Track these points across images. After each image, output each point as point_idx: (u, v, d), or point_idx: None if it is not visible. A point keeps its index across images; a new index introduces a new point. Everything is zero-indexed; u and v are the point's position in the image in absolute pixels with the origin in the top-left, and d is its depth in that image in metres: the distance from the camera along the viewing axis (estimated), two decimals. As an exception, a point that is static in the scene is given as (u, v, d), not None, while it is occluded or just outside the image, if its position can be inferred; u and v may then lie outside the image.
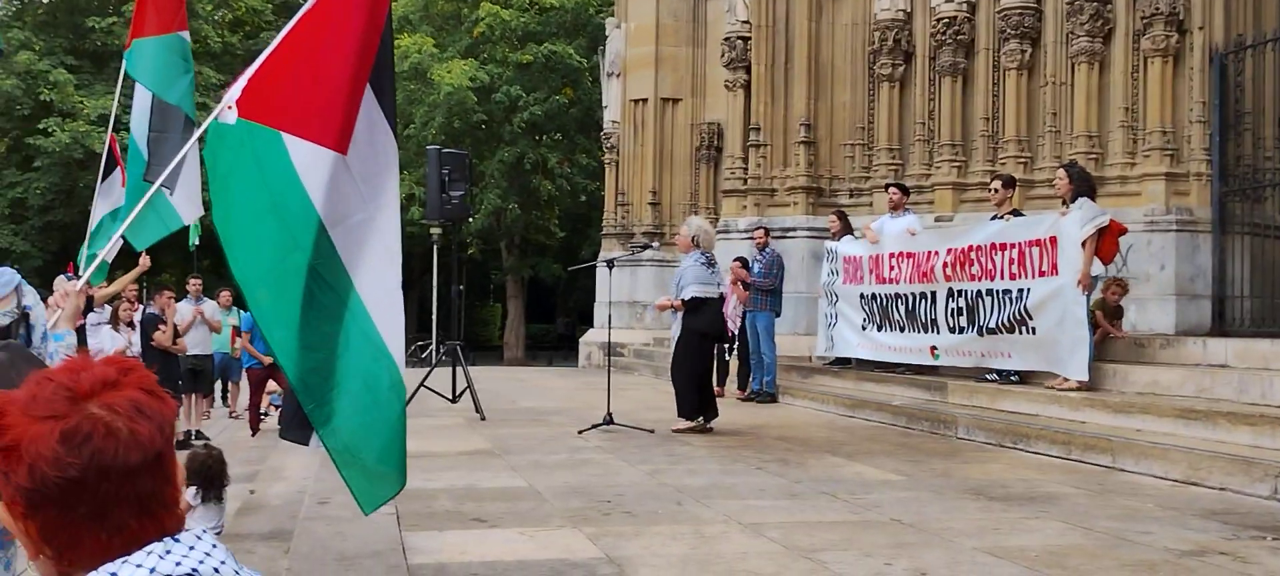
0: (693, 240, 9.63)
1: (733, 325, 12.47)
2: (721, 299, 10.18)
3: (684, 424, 9.51)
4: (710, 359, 9.83)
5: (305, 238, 3.54)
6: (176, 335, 11.73)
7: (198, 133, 3.58)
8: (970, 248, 10.22)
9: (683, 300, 9.50)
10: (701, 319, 9.51)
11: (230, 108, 3.43)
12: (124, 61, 6.30)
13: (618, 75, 20.08)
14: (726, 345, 12.47)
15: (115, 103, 6.23)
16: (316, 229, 3.55)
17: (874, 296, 11.59)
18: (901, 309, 11.18)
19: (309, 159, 3.51)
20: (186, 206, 6.13)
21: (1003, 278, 9.76)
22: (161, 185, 5.84)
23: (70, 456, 1.19)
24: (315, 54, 3.57)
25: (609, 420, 9.51)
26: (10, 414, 1.24)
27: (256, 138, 3.46)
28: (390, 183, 3.81)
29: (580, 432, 9.31)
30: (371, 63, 3.65)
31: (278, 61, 3.53)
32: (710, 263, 9.60)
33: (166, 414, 1.28)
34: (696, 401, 9.58)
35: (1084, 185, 9.34)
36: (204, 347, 13.02)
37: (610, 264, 11.12)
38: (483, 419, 10.30)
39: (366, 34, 3.61)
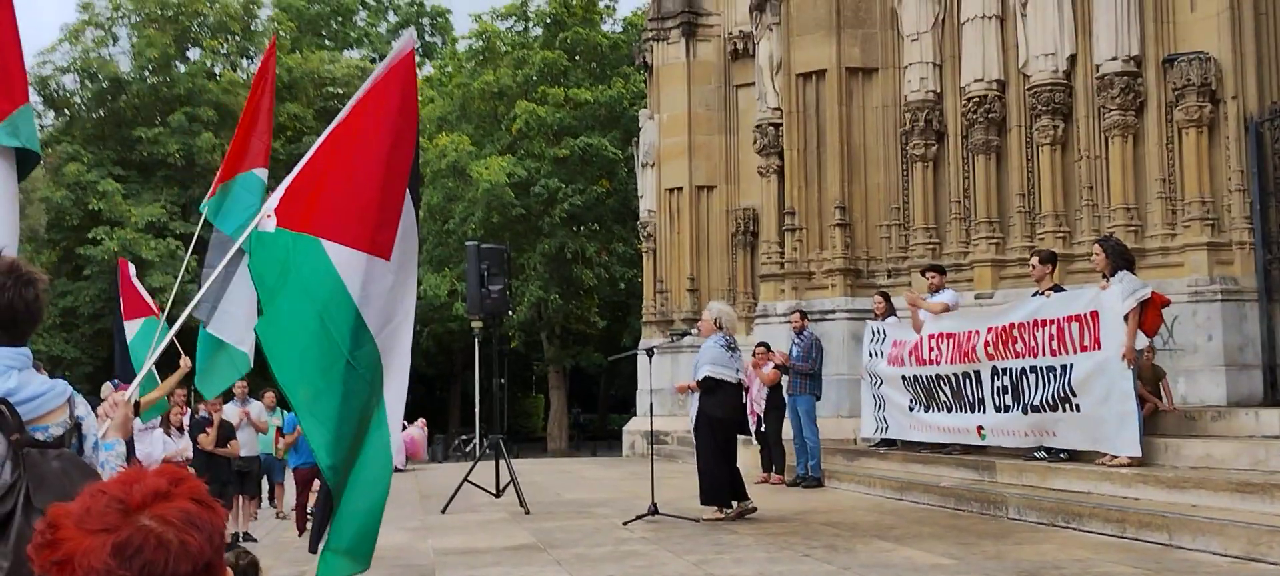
0: (715, 322, 9.60)
1: (758, 407, 12.31)
2: (739, 385, 9.81)
3: (712, 512, 9.40)
4: (730, 442, 9.57)
5: (348, 341, 3.63)
6: (230, 436, 11.87)
7: (235, 247, 3.67)
8: (1012, 325, 10.12)
9: (698, 381, 9.42)
10: (715, 402, 9.36)
11: (269, 216, 3.53)
12: (205, 209, 6.00)
13: (652, 165, 20.29)
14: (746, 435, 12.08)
15: (190, 251, 6.26)
16: (361, 332, 3.64)
17: (916, 377, 11.49)
18: (946, 389, 11.06)
19: (348, 263, 3.60)
20: (245, 337, 5.70)
21: (1045, 354, 9.64)
22: (200, 318, 5.77)
23: (122, 569, 1.22)
24: (350, 162, 3.68)
25: (654, 510, 9.43)
26: (65, 527, 1.27)
27: (298, 246, 3.55)
28: (412, 283, 3.93)
29: (625, 524, 9.25)
30: (407, 167, 3.75)
31: (314, 171, 3.64)
32: (731, 346, 9.51)
33: (217, 523, 1.31)
34: (727, 486, 9.44)
35: (1121, 259, 9.27)
36: (251, 449, 13.18)
37: (650, 352, 11.14)
38: (527, 512, 10.27)
39: (398, 139, 3.72)
